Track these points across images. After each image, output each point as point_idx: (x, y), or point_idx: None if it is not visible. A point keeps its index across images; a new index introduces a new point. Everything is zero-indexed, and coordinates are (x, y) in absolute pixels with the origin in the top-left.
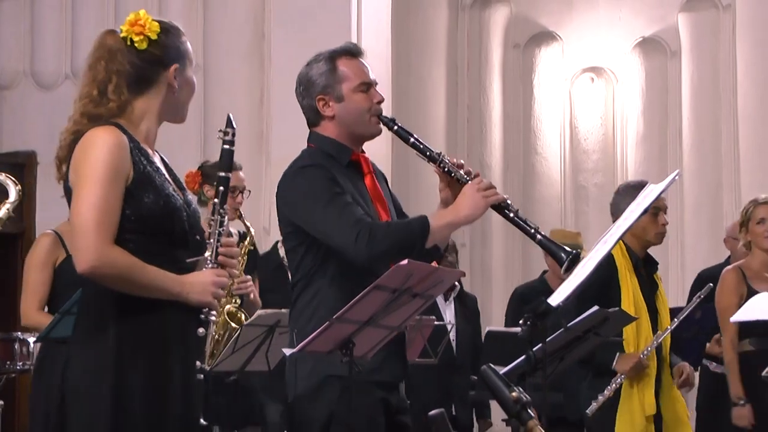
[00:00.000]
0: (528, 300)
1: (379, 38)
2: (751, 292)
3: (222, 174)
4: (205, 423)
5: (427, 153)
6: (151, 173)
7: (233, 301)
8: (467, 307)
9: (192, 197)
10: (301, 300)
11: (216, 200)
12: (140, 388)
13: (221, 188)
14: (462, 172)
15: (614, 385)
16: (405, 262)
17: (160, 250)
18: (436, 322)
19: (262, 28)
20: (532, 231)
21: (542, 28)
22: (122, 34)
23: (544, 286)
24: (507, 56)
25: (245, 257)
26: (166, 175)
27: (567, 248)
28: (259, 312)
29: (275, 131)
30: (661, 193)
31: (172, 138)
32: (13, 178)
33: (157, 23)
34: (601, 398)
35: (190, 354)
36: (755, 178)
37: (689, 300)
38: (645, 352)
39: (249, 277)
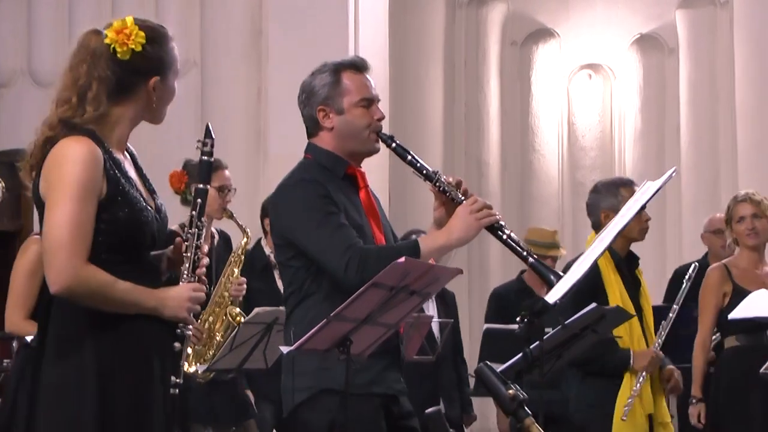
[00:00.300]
0: (506, 299)
1: (376, 36)
2: (737, 290)
3: (200, 186)
4: None
5: (424, 171)
6: (125, 187)
7: (230, 303)
8: (447, 303)
9: (161, 201)
10: (296, 314)
11: (194, 212)
12: (125, 403)
13: (198, 200)
14: (459, 191)
15: (639, 384)
16: (402, 260)
17: (131, 261)
18: (435, 320)
19: (260, 25)
20: (524, 254)
21: (539, 25)
22: (106, 40)
23: (521, 285)
24: (504, 53)
25: (242, 257)
26: (137, 183)
27: (557, 272)
28: (257, 310)
29: (273, 129)
30: (657, 190)
31: (170, 136)
32: None
33: (143, 33)
34: (630, 400)
35: (166, 368)
36: (753, 175)
37: (665, 298)
38: (656, 346)
39: (244, 279)
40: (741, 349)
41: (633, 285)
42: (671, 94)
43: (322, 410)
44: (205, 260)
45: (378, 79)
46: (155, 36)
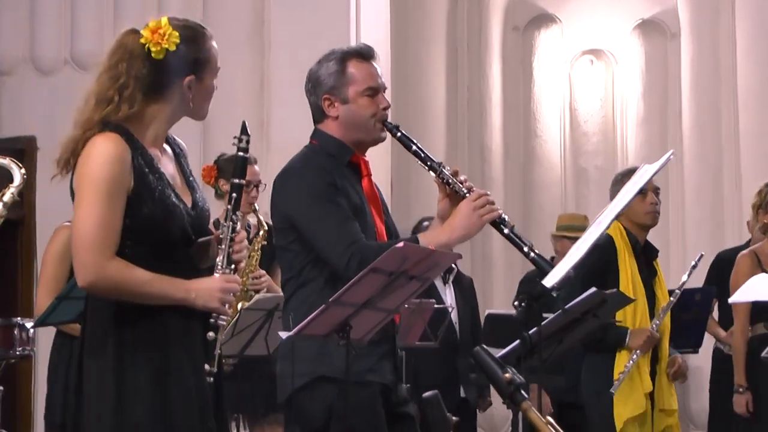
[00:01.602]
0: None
1: (378, 22)
2: None
3: (235, 181)
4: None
5: (428, 162)
6: (151, 183)
7: (249, 297)
8: (464, 288)
9: (203, 195)
10: (295, 299)
11: (229, 206)
12: (142, 393)
13: (234, 195)
14: (461, 183)
15: (631, 362)
16: (401, 245)
17: (158, 256)
18: (435, 305)
19: (262, 14)
20: (526, 249)
21: (541, 11)
22: (142, 40)
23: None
24: (506, 39)
25: (258, 252)
26: (170, 179)
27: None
28: (258, 296)
29: (275, 118)
30: (655, 173)
31: (173, 126)
32: (17, 162)
33: (176, 33)
34: (622, 376)
35: (196, 358)
36: (756, 160)
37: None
38: (654, 326)
39: (263, 272)
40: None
41: (648, 273)
42: (673, 78)
43: (319, 398)
44: (244, 252)
45: (380, 66)
46: (191, 35)
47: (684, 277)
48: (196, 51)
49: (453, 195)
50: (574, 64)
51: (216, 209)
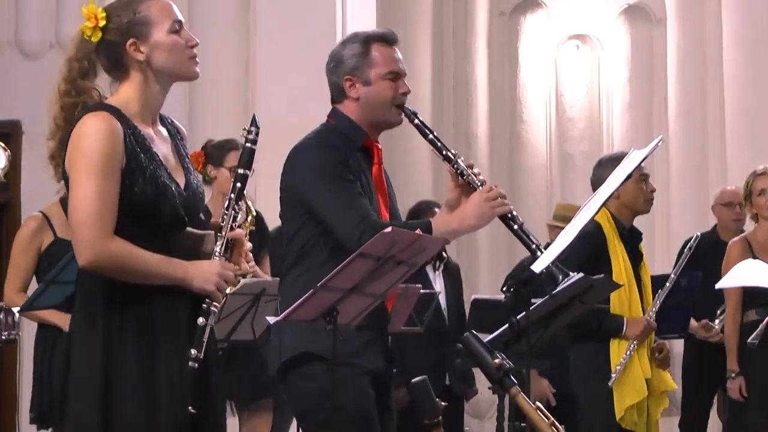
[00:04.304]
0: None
1: (364, 6)
2: None
3: (240, 171)
4: (193, 411)
5: (443, 152)
6: (143, 161)
7: (236, 282)
8: (452, 275)
9: (198, 178)
10: (294, 271)
11: (232, 195)
12: (128, 377)
13: (238, 184)
14: (475, 175)
15: (629, 352)
16: (389, 229)
17: (148, 236)
18: (422, 290)
19: None
20: (533, 246)
21: None
22: (81, 29)
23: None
24: (492, 24)
25: (247, 237)
26: (163, 160)
27: (564, 269)
28: (244, 281)
29: (260, 101)
30: (644, 158)
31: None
32: (3, 145)
33: (102, 9)
34: (619, 368)
35: (181, 343)
36: (741, 145)
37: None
38: (650, 314)
39: (251, 257)
40: (760, 323)
41: (634, 258)
42: (659, 64)
43: (309, 376)
44: (248, 245)
45: None
46: (118, 5)
47: (681, 261)
48: (126, 15)
49: (465, 186)
50: (559, 50)
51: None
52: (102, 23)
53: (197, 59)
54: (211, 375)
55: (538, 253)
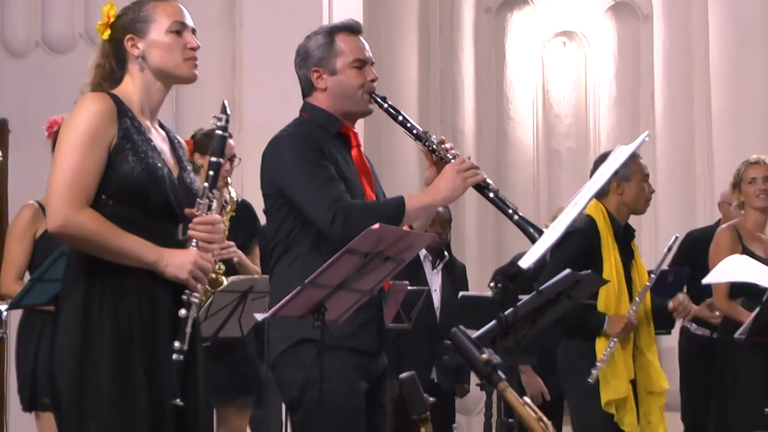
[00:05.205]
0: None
1: (350, 4)
2: (746, 252)
3: (213, 159)
4: (181, 403)
5: (414, 131)
6: (137, 142)
7: (216, 267)
8: (455, 275)
9: (194, 177)
10: (281, 264)
11: (206, 184)
12: (105, 351)
13: (211, 172)
14: (446, 150)
15: (609, 349)
16: (377, 226)
17: (135, 218)
18: (410, 287)
19: None
20: (510, 211)
21: None
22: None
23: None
24: (479, 20)
25: (227, 223)
26: (159, 148)
27: (541, 230)
28: (232, 278)
29: (247, 97)
30: (631, 154)
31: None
32: None
33: (115, 9)
34: (599, 365)
35: (161, 335)
36: (727, 141)
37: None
38: (632, 311)
39: (231, 243)
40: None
41: (626, 256)
42: (646, 60)
43: (298, 366)
44: (220, 235)
45: None
46: (130, 5)
47: (659, 262)
48: (132, 14)
49: (439, 162)
50: (546, 46)
51: None
52: (112, 21)
53: (196, 62)
54: (195, 368)
55: (516, 216)
